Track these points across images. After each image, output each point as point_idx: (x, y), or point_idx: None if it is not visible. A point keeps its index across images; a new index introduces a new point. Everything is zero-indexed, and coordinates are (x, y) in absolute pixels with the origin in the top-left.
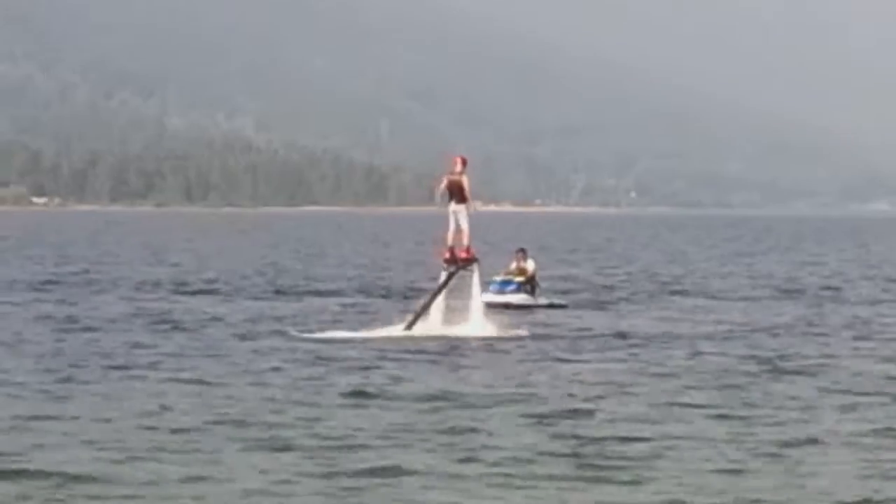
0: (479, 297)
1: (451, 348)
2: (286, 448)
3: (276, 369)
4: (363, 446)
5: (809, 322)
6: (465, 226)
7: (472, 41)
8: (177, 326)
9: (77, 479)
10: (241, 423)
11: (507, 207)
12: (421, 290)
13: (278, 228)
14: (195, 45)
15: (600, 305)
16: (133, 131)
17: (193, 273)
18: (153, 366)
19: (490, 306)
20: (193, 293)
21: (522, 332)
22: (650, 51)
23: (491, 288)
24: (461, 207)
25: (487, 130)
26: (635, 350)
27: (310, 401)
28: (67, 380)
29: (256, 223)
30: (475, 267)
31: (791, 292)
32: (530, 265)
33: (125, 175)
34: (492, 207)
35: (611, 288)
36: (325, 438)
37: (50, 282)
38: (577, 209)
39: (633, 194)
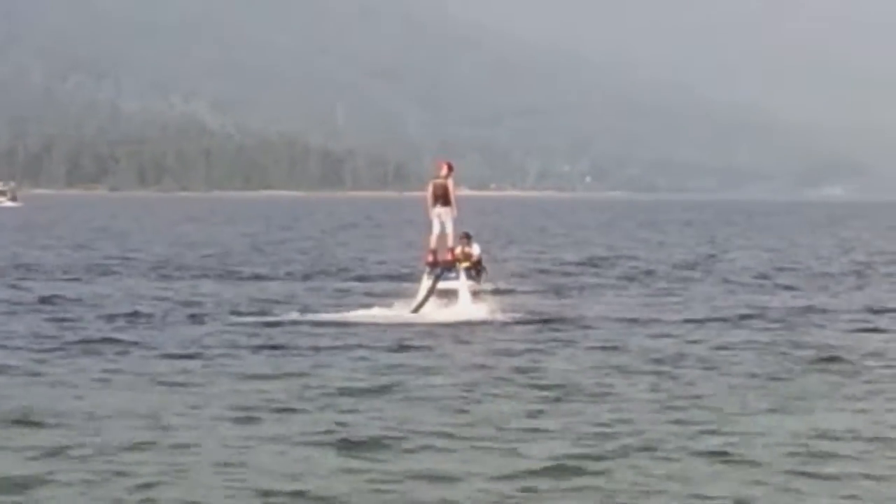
0: (466, 294)
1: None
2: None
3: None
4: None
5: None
6: (449, 229)
7: (429, 25)
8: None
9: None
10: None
11: (464, 192)
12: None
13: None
14: (150, 27)
15: (555, 290)
16: (88, 115)
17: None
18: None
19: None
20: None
21: (506, 316)
22: (604, 38)
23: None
24: (446, 211)
25: (444, 114)
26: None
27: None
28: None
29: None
30: (459, 267)
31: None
32: (475, 249)
33: (80, 159)
34: None
35: (558, 273)
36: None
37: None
38: (533, 193)
39: (588, 179)
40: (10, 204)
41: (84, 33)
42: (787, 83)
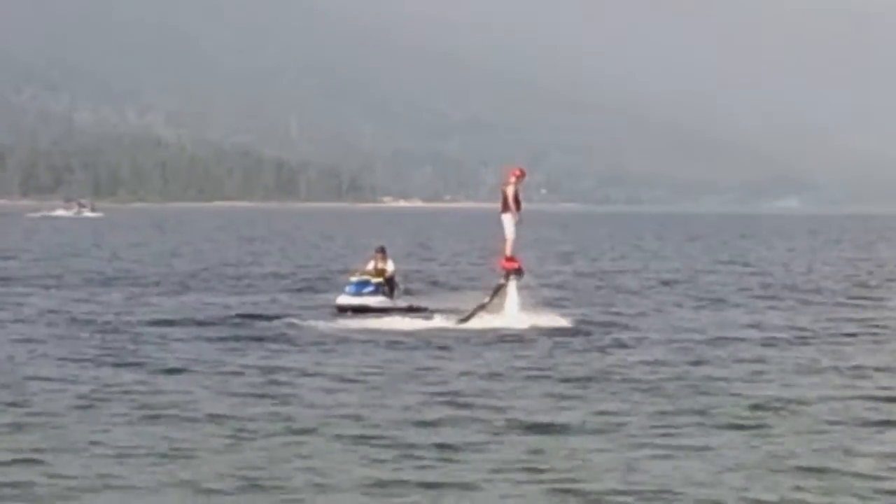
0: (515, 300)
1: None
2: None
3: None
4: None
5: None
6: (508, 234)
7: (381, 36)
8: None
9: None
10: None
11: (417, 203)
12: None
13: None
14: (105, 40)
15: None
16: (42, 126)
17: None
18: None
19: (343, 310)
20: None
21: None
22: (558, 48)
23: (346, 289)
24: (506, 217)
25: (396, 125)
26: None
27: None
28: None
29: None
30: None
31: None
32: (389, 265)
33: (35, 170)
34: (401, 203)
35: None
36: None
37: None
38: (487, 205)
39: (543, 191)
40: (91, 214)
41: (38, 45)
42: (741, 97)
